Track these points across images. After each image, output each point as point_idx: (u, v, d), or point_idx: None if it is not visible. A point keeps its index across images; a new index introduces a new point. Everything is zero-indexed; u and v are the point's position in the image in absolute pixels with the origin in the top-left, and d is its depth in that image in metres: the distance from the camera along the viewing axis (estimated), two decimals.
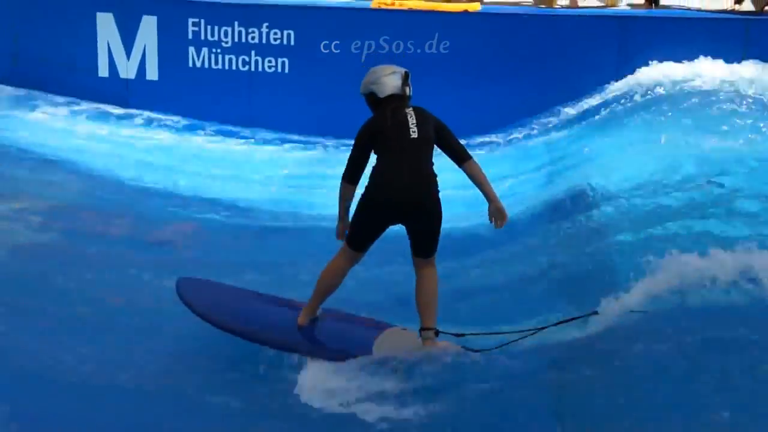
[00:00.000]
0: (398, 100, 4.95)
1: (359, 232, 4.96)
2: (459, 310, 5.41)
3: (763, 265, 4.97)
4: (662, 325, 4.60)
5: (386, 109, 4.92)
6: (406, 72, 4.95)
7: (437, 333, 4.86)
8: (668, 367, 4.17)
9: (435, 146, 4.94)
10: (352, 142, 5.05)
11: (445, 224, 4.79)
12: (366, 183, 4.93)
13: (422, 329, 4.89)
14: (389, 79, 4.97)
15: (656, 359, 4.31)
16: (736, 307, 4.75)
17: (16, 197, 7.66)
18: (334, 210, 5.26)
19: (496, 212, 4.84)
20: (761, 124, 7.99)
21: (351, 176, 4.94)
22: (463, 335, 4.89)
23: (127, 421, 4.21)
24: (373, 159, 4.94)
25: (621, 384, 4.19)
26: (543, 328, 4.94)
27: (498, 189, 5.06)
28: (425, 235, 4.90)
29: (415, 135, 4.85)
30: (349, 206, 5.08)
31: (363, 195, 4.90)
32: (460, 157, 4.88)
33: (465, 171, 4.93)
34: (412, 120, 4.90)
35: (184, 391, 4.56)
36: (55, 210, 7.40)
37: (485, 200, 4.75)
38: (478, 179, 4.88)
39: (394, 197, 4.83)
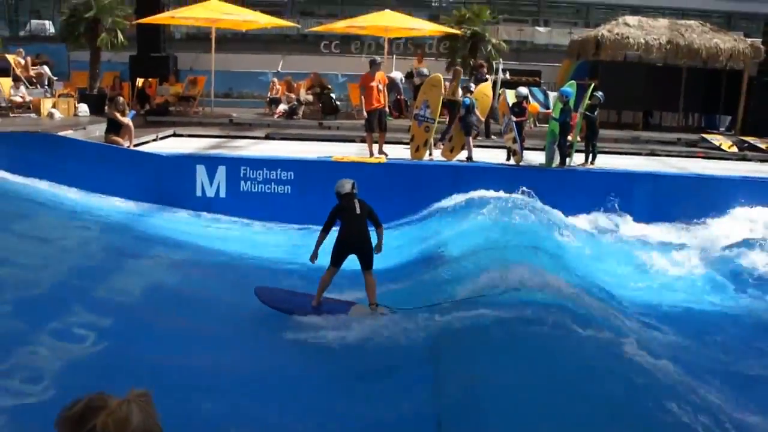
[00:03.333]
0: (351, 195, 8.91)
1: (336, 258, 8.84)
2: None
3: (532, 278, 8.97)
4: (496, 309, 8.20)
5: (344, 200, 8.88)
6: (354, 182, 9.01)
7: (377, 305, 8.78)
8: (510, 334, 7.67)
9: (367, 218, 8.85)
10: (321, 224, 8.90)
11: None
12: (336, 235, 8.81)
13: (370, 304, 8.84)
14: (346, 186, 8.99)
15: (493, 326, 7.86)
16: (524, 301, 8.36)
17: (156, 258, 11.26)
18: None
19: (379, 249, 8.90)
20: (529, 220, 12.45)
21: (325, 229, 8.94)
22: (391, 308, 8.75)
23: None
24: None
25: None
26: (437, 304, 8.56)
27: (389, 248, 9.63)
28: (367, 258, 8.81)
29: (358, 212, 8.86)
30: (320, 245, 8.91)
31: (337, 240, 8.83)
32: (376, 224, 8.95)
33: (375, 230, 8.91)
34: (357, 205, 8.83)
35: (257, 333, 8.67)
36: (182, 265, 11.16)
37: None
38: (379, 235, 8.91)
39: (353, 241, 8.78)
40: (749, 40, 24.18)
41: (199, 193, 14.81)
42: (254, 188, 14.83)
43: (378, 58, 16.17)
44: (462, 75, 17.92)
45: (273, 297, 9.36)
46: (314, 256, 8.97)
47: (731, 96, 23.31)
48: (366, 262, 8.90)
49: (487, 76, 18.22)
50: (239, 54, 26.91)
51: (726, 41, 23.00)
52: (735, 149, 19.98)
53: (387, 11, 23.55)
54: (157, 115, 20.54)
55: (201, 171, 14.85)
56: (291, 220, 14.27)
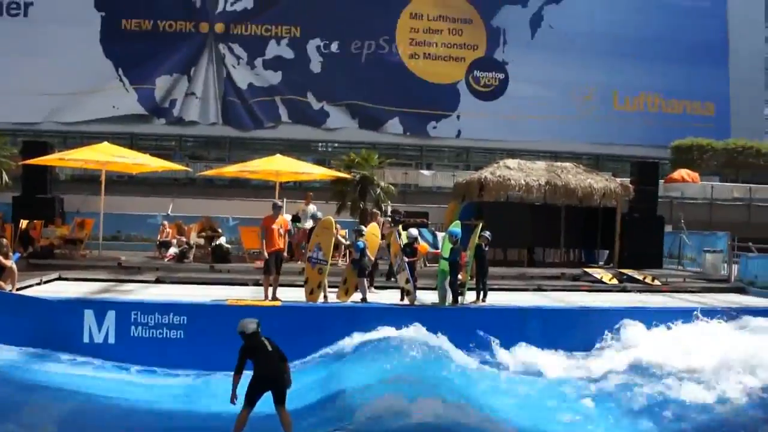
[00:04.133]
0: (256, 334, 9.21)
1: (252, 396, 9.14)
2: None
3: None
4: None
5: (251, 340, 9.15)
6: (258, 321, 9.28)
7: None
8: None
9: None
10: (232, 369, 9.01)
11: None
12: (252, 374, 9.06)
13: None
14: (250, 326, 9.26)
15: None
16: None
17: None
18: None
19: (289, 383, 9.33)
20: (424, 357, 13.00)
21: (238, 370, 9.16)
22: None
23: None
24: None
25: None
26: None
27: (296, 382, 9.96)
28: (281, 394, 9.20)
29: (270, 349, 9.29)
30: (236, 387, 9.01)
31: (252, 380, 9.07)
32: (283, 359, 9.37)
33: (282, 363, 9.31)
34: (266, 343, 9.20)
35: None
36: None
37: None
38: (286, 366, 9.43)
39: (272, 378, 9.13)
40: (619, 179, 25.95)
41: (86, 339, 14.31)
42: (145, 333, 14.43)
43: (279, 202, 16.26)
44: (379, 218, 18.63)
45: None
46: (234, 397, 9.06)
47: (607, 231, 24.89)
48: (281, 398, 9.19)
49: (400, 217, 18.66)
50: (128, 197, 26.93)
51: (598, 181, 24.57)
52: (615, 281, 20.99)
53: (277, 156, 24.10)
54: (41, 258, 20.06)
55: (89, 316, 14.36)
56: (185, 366, 13.93)
